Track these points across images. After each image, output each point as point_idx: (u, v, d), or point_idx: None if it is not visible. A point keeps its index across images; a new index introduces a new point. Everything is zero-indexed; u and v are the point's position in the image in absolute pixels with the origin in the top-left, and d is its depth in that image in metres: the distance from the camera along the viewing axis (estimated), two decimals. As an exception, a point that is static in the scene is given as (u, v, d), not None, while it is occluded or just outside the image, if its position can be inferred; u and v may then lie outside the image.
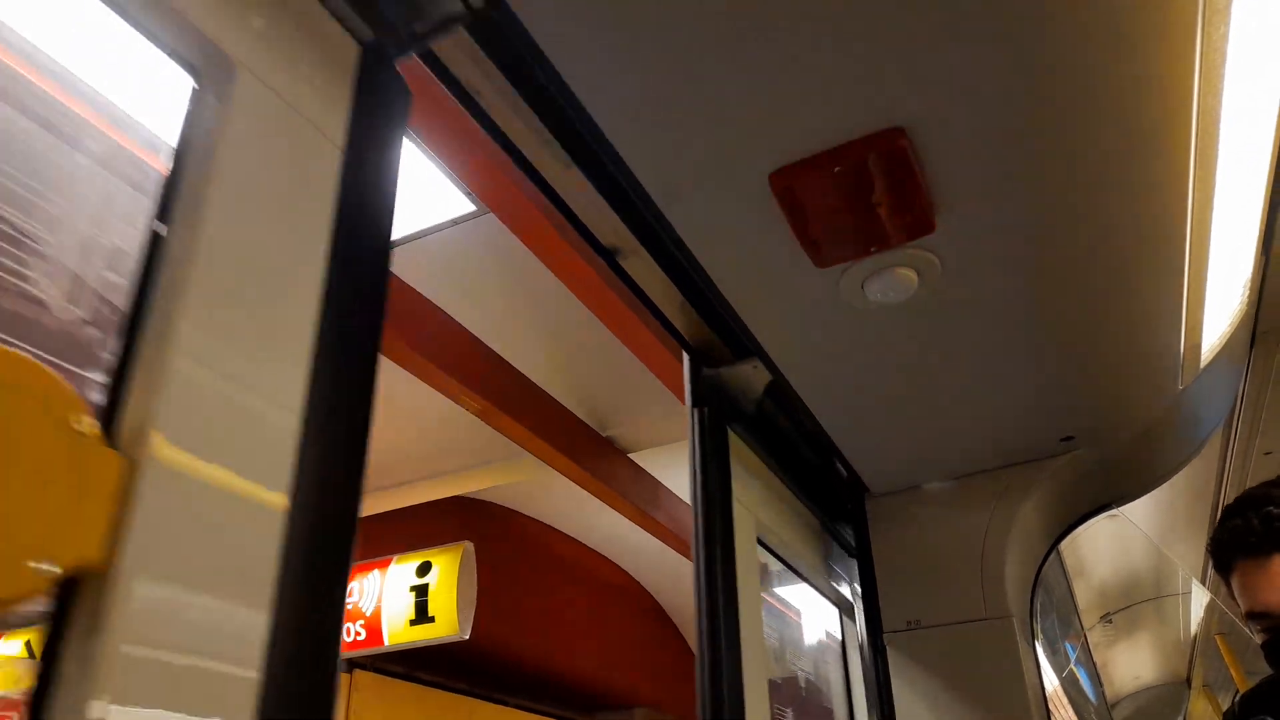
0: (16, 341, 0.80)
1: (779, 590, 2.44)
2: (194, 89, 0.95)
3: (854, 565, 2.59)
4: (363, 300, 1.06)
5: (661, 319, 1.84)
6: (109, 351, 0.82)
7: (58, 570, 0.69)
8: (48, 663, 0.70)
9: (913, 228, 1.46)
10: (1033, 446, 2.26)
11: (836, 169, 1.33)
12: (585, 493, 5.19)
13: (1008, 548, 2.28)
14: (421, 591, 5.38)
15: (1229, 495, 4.70)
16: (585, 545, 8.05)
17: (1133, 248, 1.58)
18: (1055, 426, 2.17)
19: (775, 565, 2.32)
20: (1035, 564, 2.53)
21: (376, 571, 5.61)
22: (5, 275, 0.81)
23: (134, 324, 0.84)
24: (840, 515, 2.60)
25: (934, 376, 1.94)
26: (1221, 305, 1.95)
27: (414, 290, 3.75)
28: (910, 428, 2.17)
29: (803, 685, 2.34)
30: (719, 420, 1.94)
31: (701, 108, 1.26)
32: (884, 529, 2.46)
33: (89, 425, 0.74)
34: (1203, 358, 2.04)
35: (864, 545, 2.47)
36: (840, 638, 2.63)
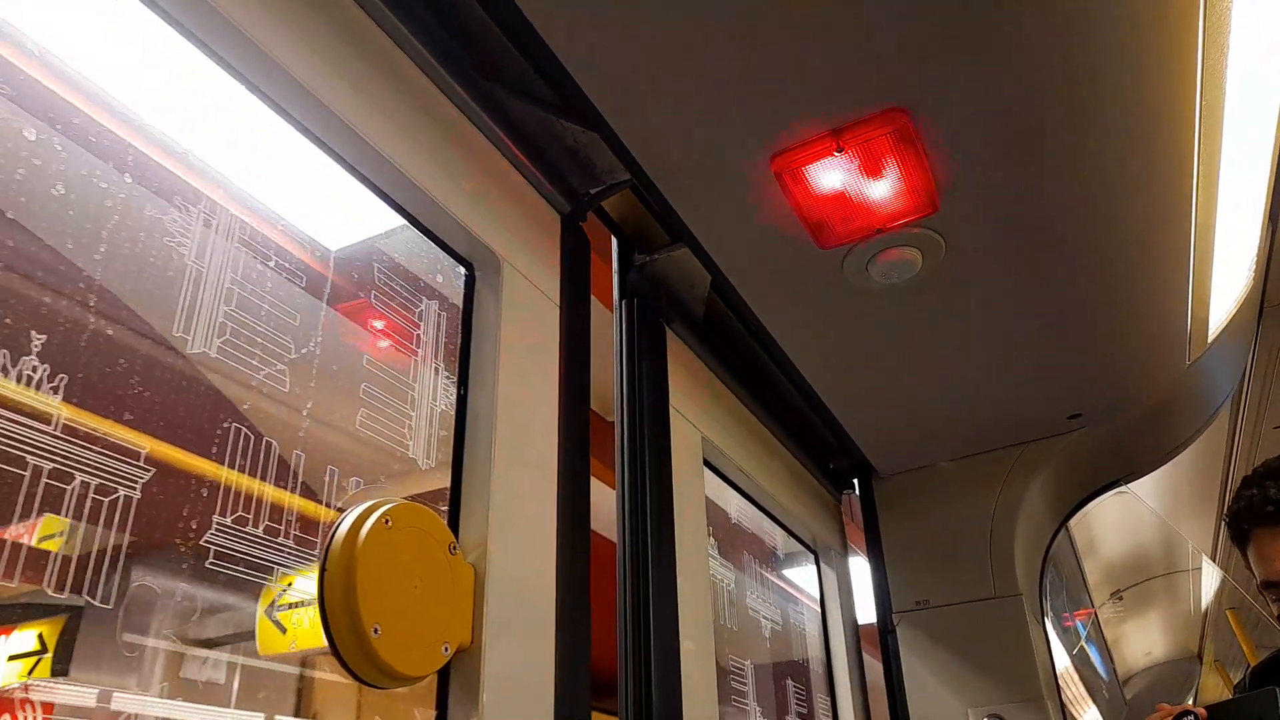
0: (396, 493, 1.10)
1: (739, 523, 2.24)
2: (467, 277, 1.29)
3: (835, 509, 2.57)
4: (579, 420, 1.34)
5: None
6: (447, 487, 1.17)
7: (451, 651, 1.03)
8: (441, 709, 1.04)
9: (916, 208, 1.45)
10: (1040, 425, 2.26)
11: (839, 150, 1.33)
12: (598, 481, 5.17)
13: (1016, 526, 2.28)
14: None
15: (1238, 470, 4.69)
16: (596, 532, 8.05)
17: (1138, 222, 1.58)
18: (1062, 404, 2.17)
19: (735, 498, 2.12)
20: (1044, 542, 2.53)
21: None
22: (395, 445, 1.18)
23: (458, 464, 1.17)
24: (823, 455, 2.52)
25: (940, 356, 1.94)
26: (1229, 279, 1.94)
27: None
28: (917, 408, 2.17)
29: (766, 634, 2.27)
30: (653, 315, 1.68)
31: (702, 89, 1.26)
32: (892, 510, 2.46)
33: (455, 547, 1.08)
34: (1210, 332, 2.03)
35: (872, 526, 2.47)
36: (818, 582, 2.53)
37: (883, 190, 1.41)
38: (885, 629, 2.36)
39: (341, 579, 0.93)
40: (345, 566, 0.93)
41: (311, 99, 1.03)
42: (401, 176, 1.14)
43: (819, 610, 2.52)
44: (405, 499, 1.04)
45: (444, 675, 1.05)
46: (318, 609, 0.92)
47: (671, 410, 1.65)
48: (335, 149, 1.10)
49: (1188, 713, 1.57)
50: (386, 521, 0.98)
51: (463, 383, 1.23)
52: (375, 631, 0.93)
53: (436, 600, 1.02)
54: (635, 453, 1.53)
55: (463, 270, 1.29)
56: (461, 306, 1.28)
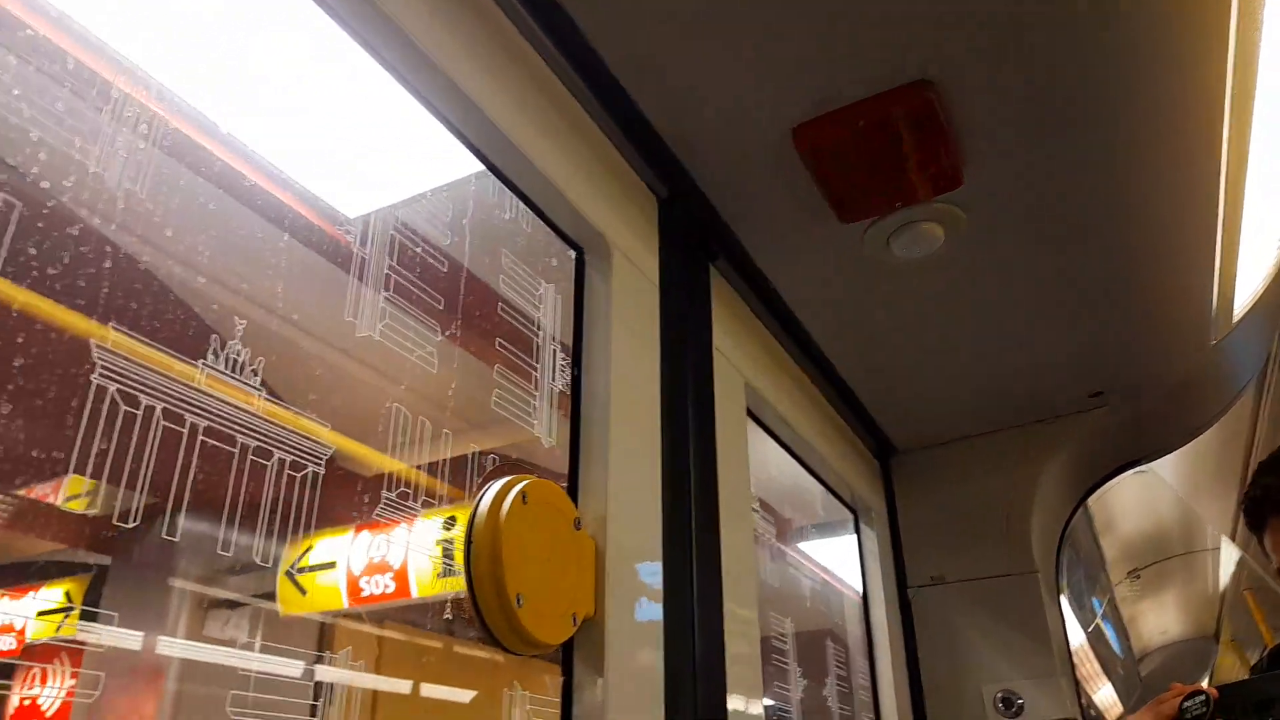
0: (532, 466, 1.19)
1: (779, 478, 2.16)
2: (577, 260, 1.33)
3: (877, 467, 2.53)
4: (680, 399, 1.38)
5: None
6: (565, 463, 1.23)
7: (579, 620, 1.08)
8: (567, 676, 1.09)
9: (940, 182, 1.44)
10: (1061, 402, 2.25)
11: (861, 123, 1.31)
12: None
13: (1033, 504, 2.28)
14: (447, 545, 5.48)
15: (1261, 451, 4.65)
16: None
17: (1165, 199, 1.55)
18: (1084, 382, 2.16)
19: (775, 451, 2.02)
20: (1061, 520, 2.53)
21: (404, 525, 5.69)
22: (524, 426, 1.28)
23: (575, 442, 1.22)
24: (859, 414, 2.41)
25: (960, 332, 1.93)
26: (1255, 257, 1.91)
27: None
28: (936, 384, 2.16)
29: (806, 594, 2.24)
30: (696, 251, 1.58)
31: (724, 61, 1.25)
32: (909, 485, 2.46)
33: (579, 522, 1.13)
34: (1236, 311, 2.01)
35: (890, 501, 2.47)
36: (857, 543, 2.45)
37: (906, 164, 1.40)
38: (900, 603, 2.37)
39: (488, 551, 0.97)
40: (491, 539, 0.98)
41: (456, 90, 1.08)
42: (527, 163, 1.17)
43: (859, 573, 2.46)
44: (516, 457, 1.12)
45: (567, 644, 1.10)
46: (465, 580, 0.97)
47: (715, 352, 1.57)
48: (471, 139, 1.15)
49: (1199, 692, 1.57)
50: (524, 498, 1.03)
51: (576, 364, 1.27)
52: (518, 601, 0.98)
53: (565, 572, 1.08)
54: (676, 394, 1.41)
55: (572, 253, 1.33)
56: (574, 289, 1.33)
